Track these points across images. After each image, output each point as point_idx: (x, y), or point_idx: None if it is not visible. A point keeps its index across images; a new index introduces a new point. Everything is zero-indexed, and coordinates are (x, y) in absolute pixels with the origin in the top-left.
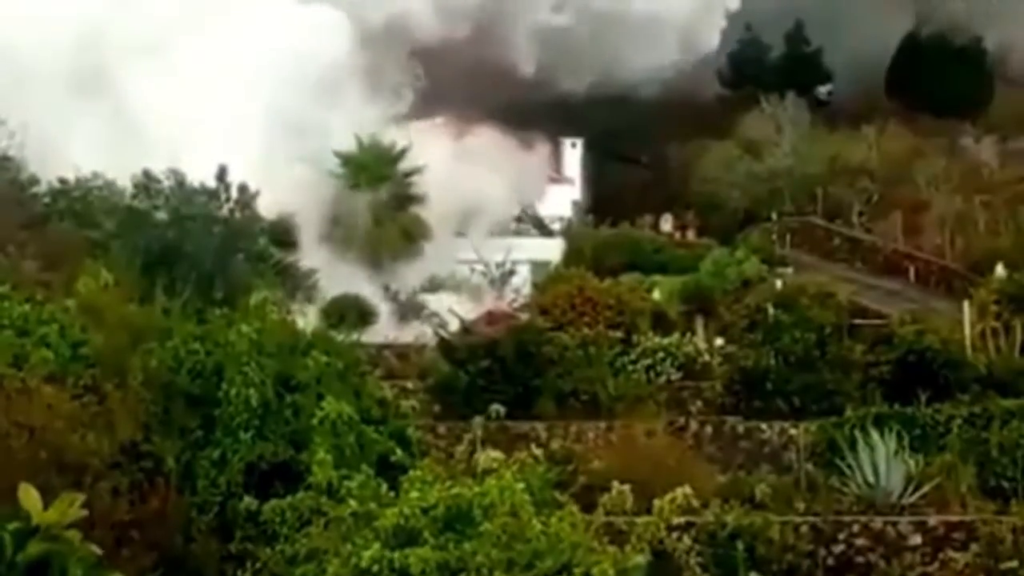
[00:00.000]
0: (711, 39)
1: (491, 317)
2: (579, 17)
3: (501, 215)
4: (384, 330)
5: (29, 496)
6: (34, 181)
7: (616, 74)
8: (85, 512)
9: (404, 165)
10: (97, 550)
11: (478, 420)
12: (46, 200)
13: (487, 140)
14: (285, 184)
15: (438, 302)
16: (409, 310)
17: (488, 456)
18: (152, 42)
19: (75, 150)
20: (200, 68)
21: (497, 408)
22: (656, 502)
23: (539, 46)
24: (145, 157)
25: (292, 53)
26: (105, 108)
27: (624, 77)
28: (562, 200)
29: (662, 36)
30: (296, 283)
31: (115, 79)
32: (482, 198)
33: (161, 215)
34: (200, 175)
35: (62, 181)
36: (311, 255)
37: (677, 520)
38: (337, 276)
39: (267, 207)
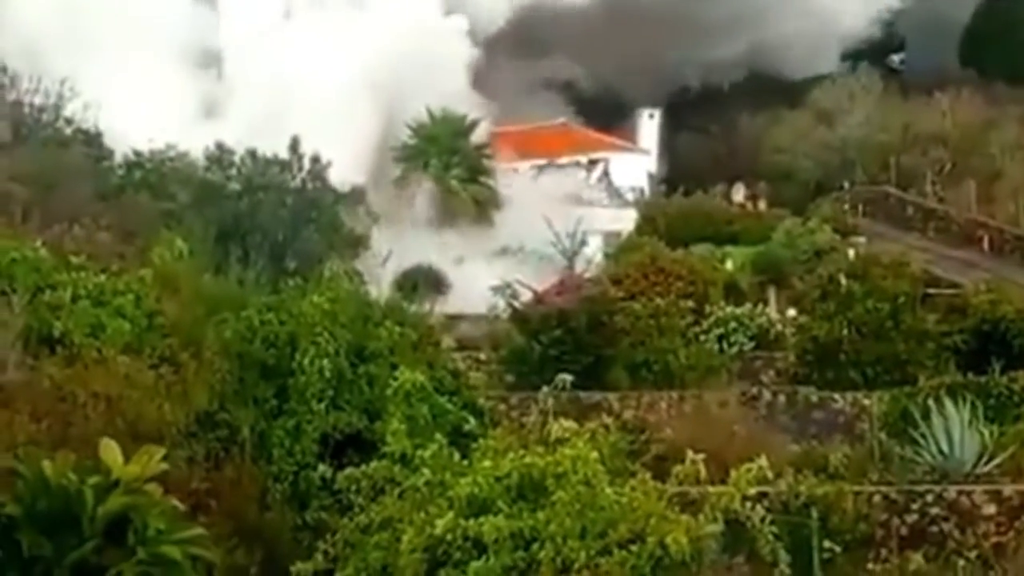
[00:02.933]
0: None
1: (563, 287)
2: None
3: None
4: (456, 300)
5: (110, 451)
6: (109, 153)
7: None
8: (165, 466)
9: (476, 137)
10: (179, 504)
11: (546, 390)
12: (121, 172)
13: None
14: (359, 154)
15: (510, 272)
16: (481, 280)
17: (561, 426)
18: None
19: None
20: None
21: (564, 378)
22: (732, 472)
23: (617, 17)
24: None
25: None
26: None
27: (703, 50)
28: (637, 170)
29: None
30: (369, 253)
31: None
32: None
33: (234, 186)
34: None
35: (136, 153)
36: (384, 225)
37: (751, 490)
38: (410, 247)
39: (339, 177)
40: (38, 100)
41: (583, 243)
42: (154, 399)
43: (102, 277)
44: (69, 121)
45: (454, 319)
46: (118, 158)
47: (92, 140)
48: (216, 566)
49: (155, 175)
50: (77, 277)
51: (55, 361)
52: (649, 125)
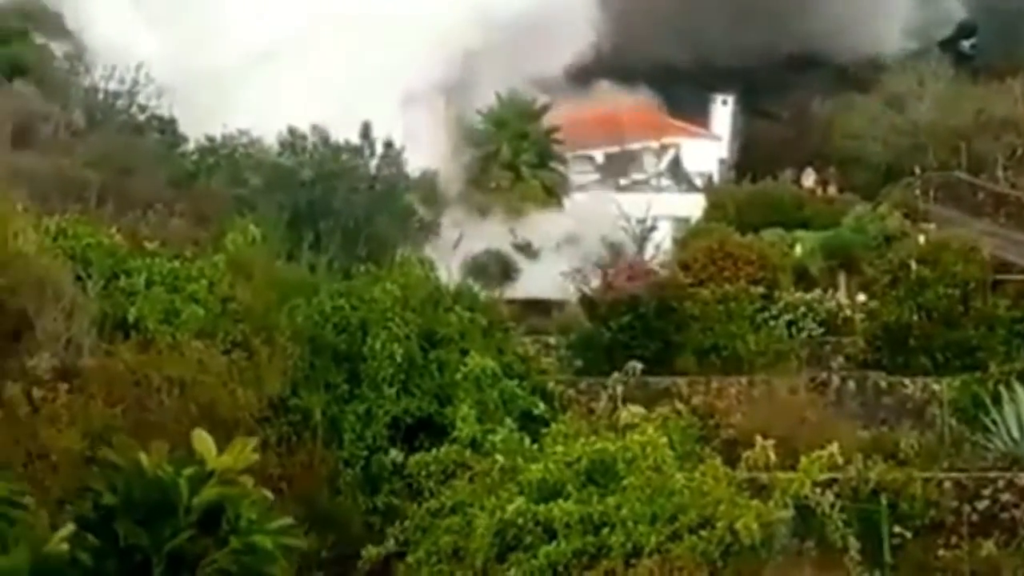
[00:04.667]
0: None
1: (632, 273)
2: None
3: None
4: (526, 285)
5: (203, 441)
6: (183, 139)
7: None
8: (257, 456)
9: (546, 121)
10: (269, 495)
11: (616, 376)
12: (194, 158)
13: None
14: (429, 139)
15: (580, 257)
16: (551, 266)
17: (630, 411)
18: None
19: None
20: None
21: (634, 365)
22: (802, 458)
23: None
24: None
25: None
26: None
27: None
28: (707, 156)
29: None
30: (439, 239)
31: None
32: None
33: (307, 172)
34: (346, 132)
35: (209, 139)
36: (454, 211)
37: (821, 476)
38: (480, 232)
39: (411, 163)
40: (112, 86)
41: (653, 228)
42: (227, 384)
43: (176, 263)
44: (143, 107)
45: (524, 304)
46: (191, 144)
47: (166, 126)
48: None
49: (228, 160)
50: (151, 263)
51: (129, 346)
52: (722, 111)
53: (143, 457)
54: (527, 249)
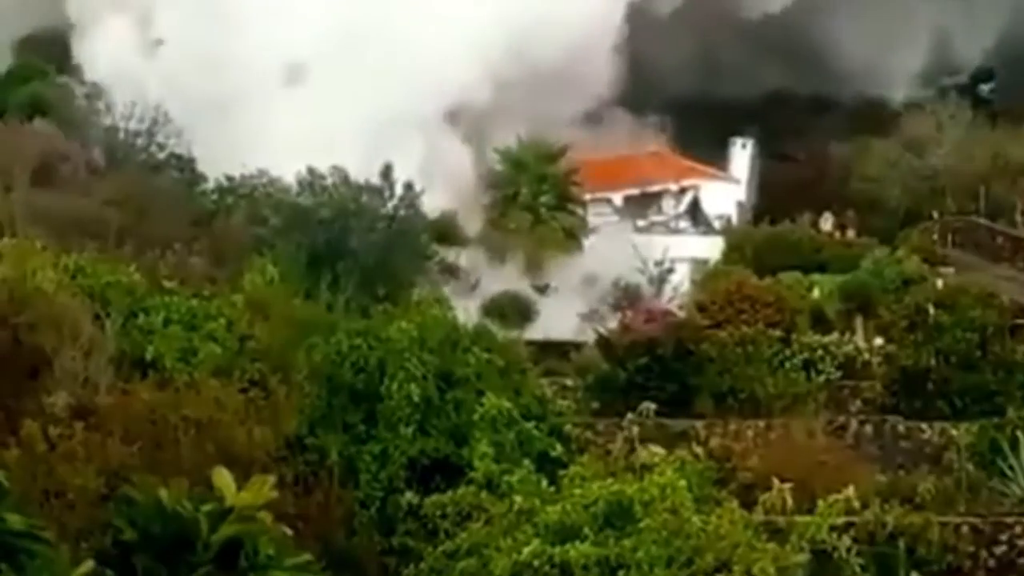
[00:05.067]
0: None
1: (649, 315)
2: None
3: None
4: (544, 327)
5: (222, 478)
6: (202, 178)
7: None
8: (275, 494)
9: (565, 164)
10: (287, 531)
11: (631, 417)
12: (213, 197)
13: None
14: (447, 181)
15: (597, 300)
16: (568, 307)
17: (650, 452)
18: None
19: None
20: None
21: (647, 406)
22: (820, 502)
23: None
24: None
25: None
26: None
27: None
28: (725, 198)
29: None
30: (457, 280)
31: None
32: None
33: (325, 212)
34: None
35: (228, 178)
36: (472, 252)
37: (838, 520)
38: (498, 273)
39: (430, 204)
40: (132, 125)
41: (670, 271)
42: (244, 423)
43: (194, 301)
44: (162, 146)
45: (541, 345)
46: (211, 183)
47: (185, 165)
48: None
49: (247, 200)
50: (169, 301)
51: (147, 384)
52: (741, 154)
53: (163, 493)
54: (545, 291)
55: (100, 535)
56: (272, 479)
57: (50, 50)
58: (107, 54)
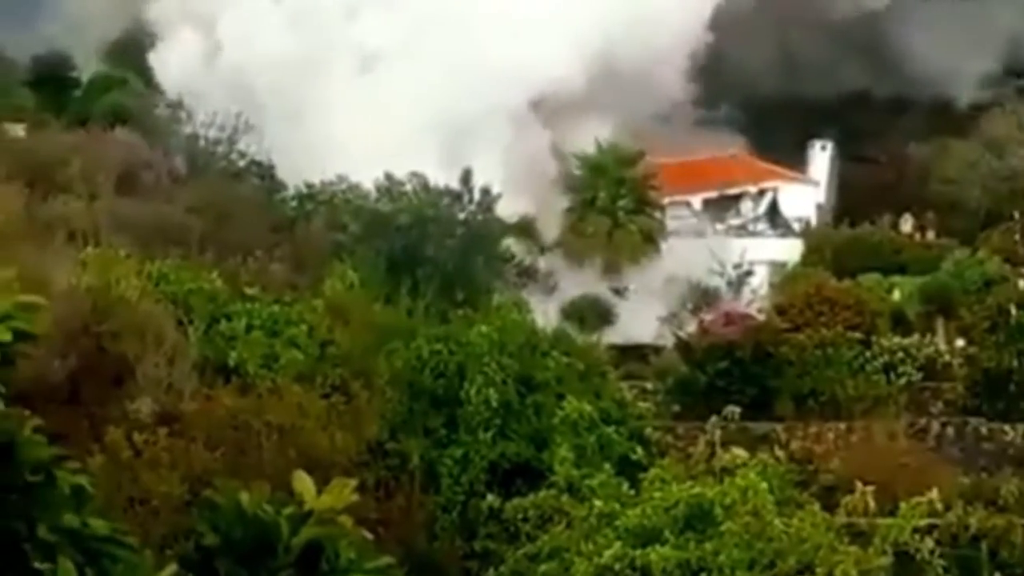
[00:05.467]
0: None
1: (728, 318)
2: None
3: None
4: (623, 330)
5: (303, 482)
6: (282, 185)
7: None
8: (356, 497)
9: (643, 167)
10: (368, 535)
11: (714, 420)
12: (293, 204)
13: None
14: (526, 186)
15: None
16: (647, 310)
17: (733, 454)
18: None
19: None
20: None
21: (732, 409)
22: (902, 504)
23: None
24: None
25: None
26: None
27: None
28: (804, 201)
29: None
30: (536, 284)
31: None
32: None
33: (404, 218)
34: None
35: (308, 185)
36: (551, 256)
37: (921, 522)
38: (577, 277)
39: (507, 209)
40: (213, 133)
41: (749, 273)
42: (326, 428)
43: (275, 307)
44: (243, 154)
45: (621, 349)
46: (290, 190)
47: (265, 172)
48: None
49: (327, 206)
50: (251, 307)
51: (230, 390)
52: (821, 157)
53: (244, 497)
54: (624, 294)
55: (184, 540)
56: (354, 482)
57: (136, 56)
58: (177, 61)
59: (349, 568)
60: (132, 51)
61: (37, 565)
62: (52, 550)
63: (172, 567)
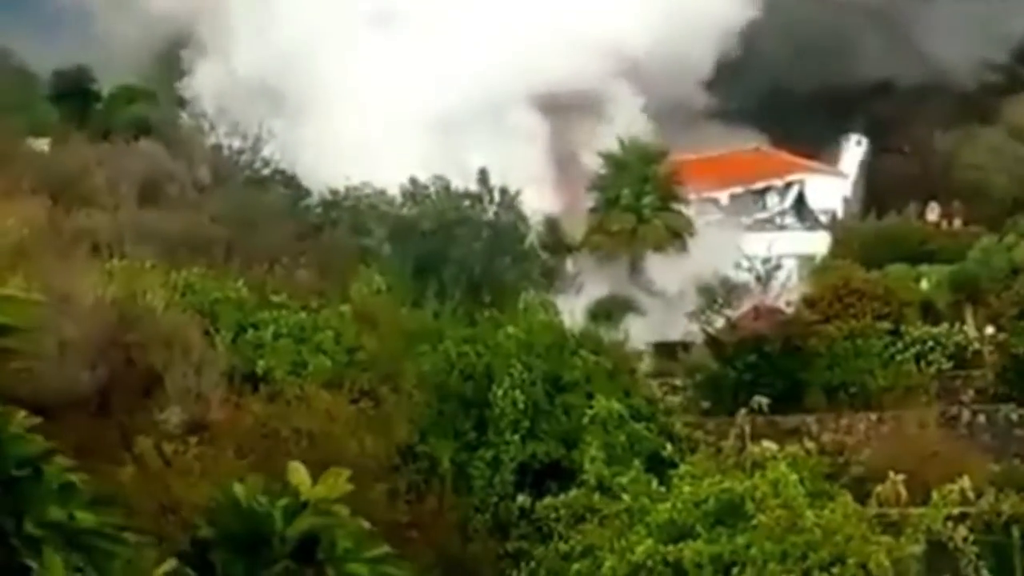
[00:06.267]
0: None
1: (757, 312)
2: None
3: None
4: (651, 328)
5: (297, 473)
6: (306, 193)
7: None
8: (351, 486)
9: (668, 164)
10: (365, 523)
11: (743, 413)
12: (318, 211)
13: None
14: (547, 183)
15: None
16: (675, 307)
17: (762, 447)
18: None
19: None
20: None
21: (760, 400)
22: (934, 493)
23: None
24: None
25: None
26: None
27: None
28: (832, 193)
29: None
30: (562, 283)
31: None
32: None
33: (428, 222)
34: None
35: (333, 192)
36: (577, 255)
37: (953, 511)
38: (603, 275)
39: (531, 207)
40: (236, 143)
41: (777, 267)
42: (355, 433)
43: (302, 314)
44: (267, 162)
45: (649, 346)
46: (315, 197)
47: (289, 180)
48: None
49: (351, 212)
50: (278, 315)
51: (258, 398)
52: (855, 151)
53: (238, 489)
54: (651, 292)
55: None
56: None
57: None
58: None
59: (346, 557)
60: (160, 67)
61: (27, 561)
62: (39, 544)
63: (171, 562)
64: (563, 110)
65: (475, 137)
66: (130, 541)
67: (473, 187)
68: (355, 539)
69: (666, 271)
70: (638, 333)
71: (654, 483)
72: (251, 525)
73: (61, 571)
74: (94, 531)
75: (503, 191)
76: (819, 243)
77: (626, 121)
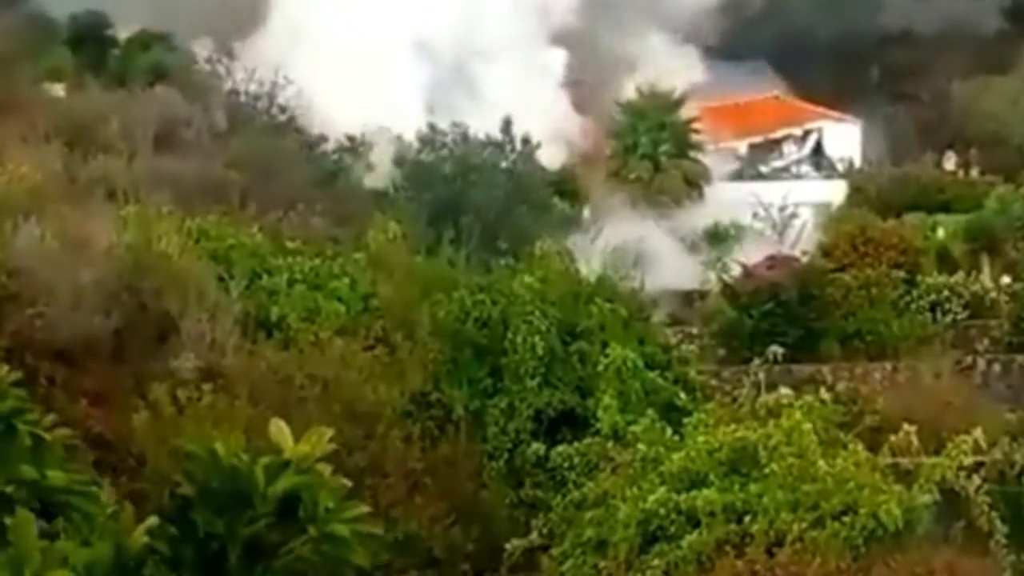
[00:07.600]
0: None
1: (773, 261)
2: None
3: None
4: (667, 276)
5: (280, 431)
6: (322, 139)
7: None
8: (333, 446)
9: (685, 112)
10: (346, 482)
11: (757, 363)
12: (334, 157)
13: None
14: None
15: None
16: (692, 255)
17: (777, 395)
18: None
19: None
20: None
21: (775, 349)
22: (948, 444)
23: None
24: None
25: None
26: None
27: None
28: (847, 141)
29: None
30: (579, 231)
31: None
32: None
33: (446, 168)
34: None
35: (349, 138)
36: (594, 203)
37: (966, 460)
38: (619, 223)
39: (549, 156)
40: (253, 88)
41: (793, 216)
42: (369, 380)
43: (317, 261)
44: (283, 108)
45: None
46: (331, 143)
47: (305, 126)
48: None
49: (368, 159)
50: (293, 262)
51: (272, 345)
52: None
53: (219, 446)
54: (668, 240)
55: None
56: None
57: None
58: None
59: (327, 517)
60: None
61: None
62: (12, 503)
63: (152, 519)
64: (585, 51)
65: (499, 76)
66: (102, 498)
67: (495, 134)
68: (336, 498)
69: (683, 218)
70: (654, 281)
71: (668, 432)
72: (232, 483)
73: (34, 529)
74: (67, 489)
75: (525, 140)
76: (836, 191)
77: (647, 68)
